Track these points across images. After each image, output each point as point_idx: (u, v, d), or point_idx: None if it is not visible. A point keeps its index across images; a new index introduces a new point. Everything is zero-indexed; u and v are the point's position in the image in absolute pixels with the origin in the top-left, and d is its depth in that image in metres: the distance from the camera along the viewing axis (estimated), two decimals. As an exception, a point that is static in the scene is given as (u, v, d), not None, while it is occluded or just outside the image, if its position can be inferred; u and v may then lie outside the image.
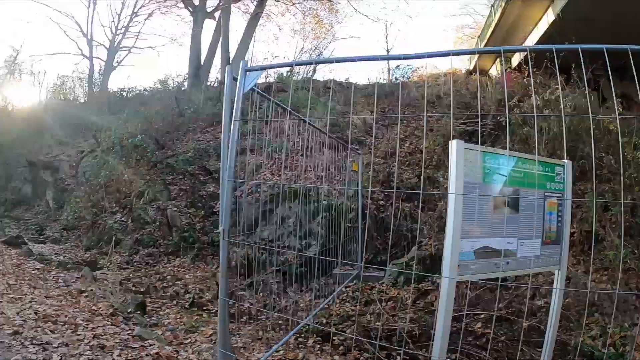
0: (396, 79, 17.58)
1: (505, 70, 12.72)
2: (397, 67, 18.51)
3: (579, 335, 4.61)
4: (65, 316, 5.25)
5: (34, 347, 4.05)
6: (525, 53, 7.82)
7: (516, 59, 13.87)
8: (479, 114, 6.88)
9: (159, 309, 6.39)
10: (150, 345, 4.56)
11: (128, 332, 5.01)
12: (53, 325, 4.97)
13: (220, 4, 20.57)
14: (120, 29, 26.68)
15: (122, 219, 9.32)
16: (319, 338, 5.22)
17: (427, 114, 9.93)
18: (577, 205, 6.62)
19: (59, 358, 3.92)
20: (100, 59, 26.53)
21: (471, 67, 19.55)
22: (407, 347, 4.44)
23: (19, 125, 20.09)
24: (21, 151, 17.27)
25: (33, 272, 7.34)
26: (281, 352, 4.78)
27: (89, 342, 4.35)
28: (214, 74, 18.88)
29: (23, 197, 15.44)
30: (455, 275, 2.65)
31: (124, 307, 5.83)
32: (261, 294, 6.95)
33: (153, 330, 5.33)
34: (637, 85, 2.37)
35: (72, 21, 26.31)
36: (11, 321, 4.80)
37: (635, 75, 2.53)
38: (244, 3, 22.00)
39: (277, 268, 7.16)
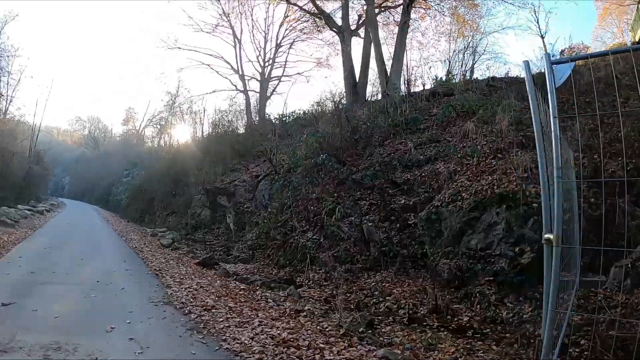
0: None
1: None
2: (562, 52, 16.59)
3: None
4: (304, 339, 5.02)
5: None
6: None
7: None
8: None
9: (378, 326, 5.95)
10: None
11: (373, 353, 4.75)
12: (296, 350, 4.77)
13: (360, 22, 20.61)
14: (268, 61, 28.37)
15: (314, 237, 9.15)
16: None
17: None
18: None
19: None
20: (254, 91, 28.52)
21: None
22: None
23: (187, 157, 22.19)
24: (195, 180, 18.95)
25: (240, 292, 7.46)
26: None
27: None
28: (369, 89, 18.76)
29: (202, 221, 16.71)
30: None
31: (353, 326, 5.40)
32: (478, 306, 6.37)
33: (392, 350, 4.82)
34: None
35: (221, 61, 28.40)
36: (249, 347, 4.73)
37: None
38: (382, 16, 21.86)
39: (491, 278, 6.65)
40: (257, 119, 25.60)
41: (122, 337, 4.89)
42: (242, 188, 15.65)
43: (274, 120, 22.01)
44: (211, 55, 28.46)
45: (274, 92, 28.94)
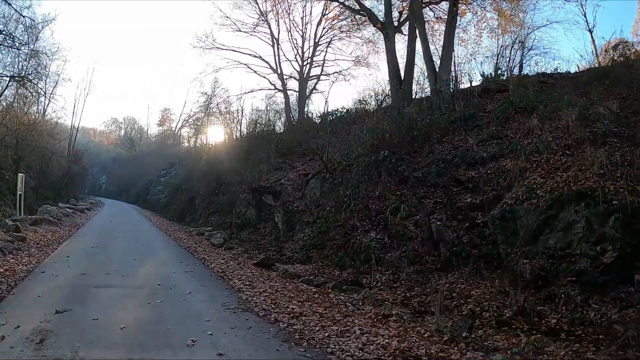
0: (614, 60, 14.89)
1: None
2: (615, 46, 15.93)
3: None
4: (417, 348, 4.79)
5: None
6: None
7: None
8: None
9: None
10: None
11: (489, 358, 4.60)
12: (418, 360, 4.52)
13: (400, 19, 20.24)
14: (306, 60, 28.30)
15: (378, 236, 8.94)
16: None
17: None
18: None
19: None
20: (294, 90, 28.51)
21: None
22: None
23: (229, 157, 22.27)
24: (240, 179, 18.94)
25: (315, 295, 7.24)
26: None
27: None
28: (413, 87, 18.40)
29: (248, 221, 16.68)
30: None
31: (456, 331, 5.18)
32: (564, 308, 6.15)
33: (506, 356, 4.62)
34: None
35: (259, 60, 28.47)
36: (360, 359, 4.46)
37: None
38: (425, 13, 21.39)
39: (574, 278, 6.46)
40: (297, 117, 25.53)
41: (209, 352, 4.39)
42: (289, 187, 15.57)
43: (316, 119, 21.93)
44: (249, 54, 28.57)
45: (314, 91, 28.89)
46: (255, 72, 28.78)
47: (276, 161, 18.85)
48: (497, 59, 18.27)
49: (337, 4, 22.97)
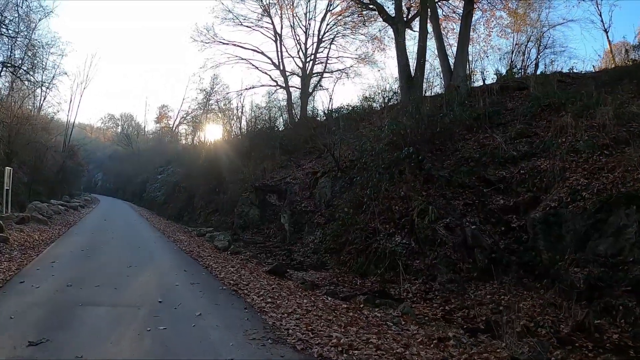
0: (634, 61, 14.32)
1: None
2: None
3: None
4: None
5: None
6: None
7: None
8: None
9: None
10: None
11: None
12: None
13: (409, 15, 19.61)
14: (309, 56, 27.56)
15: (404, 241, 8.20)
16: None
17: None
18: None
19: None
20: (296, 87, 27.76)
21: None
22: None
23: (230, 154, 21.43)
24: (243, 177, 18.07)
25: (349, 313, 6.27)
26: None
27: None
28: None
29: (251, 221, 15.80)
30: None
31: (534, 357, 4.48)
32: (622, 321, 5.58)
33: None
34: None
35: (261, 56, 27.75)
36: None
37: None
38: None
39: (628, 288, 5.86)
40: (300, 114, 24.81)
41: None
42: (295, 186, 14.82)
43: (320, 116, 21.21)
44: (251, 49, 27.84)
45: (318, 87, 28.12)
46: (256, 67, 28.07)
47: (280, 159, 18.08)
48: (512, 56, 17.62)
49: (347, -3, 22.37)
